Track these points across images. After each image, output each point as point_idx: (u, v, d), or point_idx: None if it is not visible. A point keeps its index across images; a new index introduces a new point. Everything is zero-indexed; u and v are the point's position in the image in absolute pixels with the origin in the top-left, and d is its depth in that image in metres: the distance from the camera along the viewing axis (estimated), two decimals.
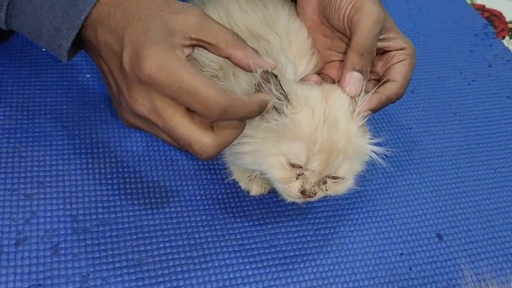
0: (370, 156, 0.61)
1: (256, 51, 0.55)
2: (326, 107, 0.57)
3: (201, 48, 0.61)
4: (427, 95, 0.93)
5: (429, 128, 0.87)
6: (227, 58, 0.55)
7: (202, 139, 0.49)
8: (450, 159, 0.83)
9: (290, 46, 0.67)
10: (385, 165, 0.63)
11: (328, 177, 0.60)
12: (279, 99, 0.55)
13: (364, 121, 0.59)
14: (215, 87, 0.48)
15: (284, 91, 0.55)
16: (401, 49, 0.63)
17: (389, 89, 0.61)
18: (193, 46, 0.54)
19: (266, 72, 0.54)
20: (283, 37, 0.67)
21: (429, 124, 0.88)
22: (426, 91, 0.93)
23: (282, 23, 0.69)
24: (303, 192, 0.58)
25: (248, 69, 0.54)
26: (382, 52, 0.64)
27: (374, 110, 0.60)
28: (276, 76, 0.54)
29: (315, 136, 0.56)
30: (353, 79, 0.59)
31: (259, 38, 0.67)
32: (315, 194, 0.59)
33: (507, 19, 1.16)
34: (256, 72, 0.54)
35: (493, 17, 1.15)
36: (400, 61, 0.63)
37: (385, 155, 0.81)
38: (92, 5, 0.52)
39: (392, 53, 0.64)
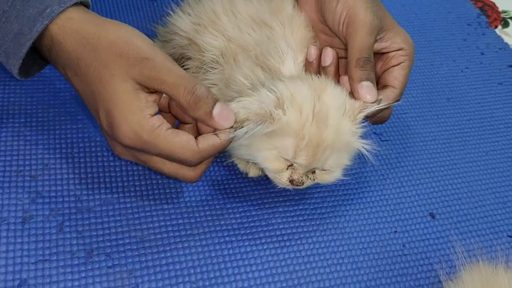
0: (360, 151, 0.63)
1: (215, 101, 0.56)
2: (316, 104, 0.59)
3: (203, 34, 0.65)
4: (421, 82, 0.95)
5: (423, 113, 0.89)
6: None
7: (186, 174, 0.59)
8: (443, 142, 0.85)
9: (292, 34, 0.69)
10: (374, 162, 0.69)
11: (317, 168, 0.62)
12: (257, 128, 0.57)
13: (359, 122, 0.61)
14: (189, 146, 0.54)
15: (264, 117, 0.57)
16: (399, 49, 0.64)
17: (388, 96, 0.63)
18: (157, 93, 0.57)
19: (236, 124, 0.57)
20: (286, 25, 0.70)
21: (423, 109, 0.90)
22: (420, 78, 0.96)
23: (286, 12, 0.71)
24: (291, 182, 0.62)
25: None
26: (380, 53, 0.65)
27: (371, 117, 0.63)
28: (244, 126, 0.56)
29: (303, 132, 0.58)
30: (365, 89, 0.61)
31: (262, 25, 0.69)
32: (302, 183, 0.62)
33: (500, 9, 1.18)
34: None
35: (486, 7, 1.18)
36: (398, 64, 0.64)
37: (380, 139, 0.84)
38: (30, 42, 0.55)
39: (391, 54, 0.64)
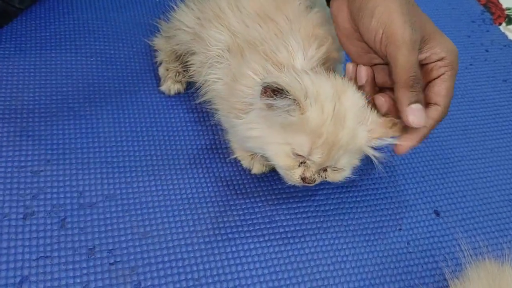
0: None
1: None
2: (337, 104, 0.59)
3: (209, 28, 0.64)
4: None
5: None
6: None
7: None
8: (447, 140, 0.84)
9: (300, 30, 0.68)
10: (382, 169, 0.70)
11: (329, 167, 0.62)
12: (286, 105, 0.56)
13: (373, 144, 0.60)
14: None
15: (292, 97, 0.55)
16: (439, 60, 0.59)
17: (432, 117, 0.58)
18: None
19: (268, 86, 0.55)
20: (293, 20, 0.69)
21: None
22: None
23: (292, 7, 0.70)
24: (303, 179, 0.61)
25: None
26: (420, 65, 0.60)
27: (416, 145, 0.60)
28: (281, 88, 0.55)
29: (321, 130, 0.58)
30: (415, 112, 0.56)
31: (267, 20, 0.69)
32: (314, 182, 0.61)
33: (504, 6, 1.17)
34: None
35: (490, 4, 1.17)
36: (439, 76, 0.59)
37: None
38: None
39: (430, 66, 0.59)
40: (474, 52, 1.02)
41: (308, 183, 0.62)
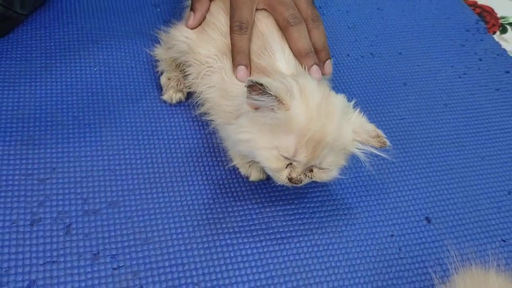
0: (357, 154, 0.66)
1: None
2: (323, 100, 0.61)
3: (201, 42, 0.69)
4: (419, 88, 0.97)
5: (421, 119, 0.91)
6: None
7: None
8: (440, 148, 0.87)
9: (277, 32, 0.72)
10: (372, 169, 0.72)
11: (315, 166, 0.64)
12: (269, 103, 0.60)
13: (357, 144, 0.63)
14: None
15: (273, 95, 0.59)
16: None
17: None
18: None
19: (252, 82, 0.58)
20: (263, 21, 0.73)
21: (420, 115, 0.92)
22: (418, 84, 0.98)
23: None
24: (290, 180, 0.64)
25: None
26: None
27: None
28: (261, 84, 0.58)
29: (308, 126, 0.60)
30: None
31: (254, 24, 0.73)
32: (301, 182, 0.64)
33: (498, 15, 1.20)
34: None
35: (484, 13, 1.19)
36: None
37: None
38: None
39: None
40: (468, 61, 1.04)
41: (295, 183, 0.64)
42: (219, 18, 0.75)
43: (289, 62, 0.70)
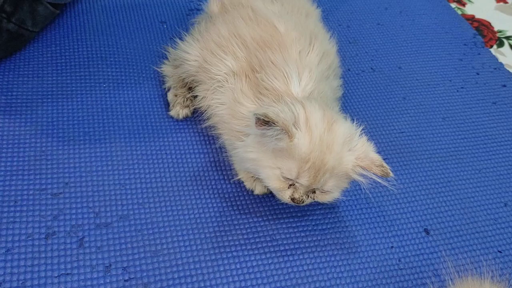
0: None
1: None
2: (325, 131, 0.64)
3: (213, 58, 0.72)
4: (418, 101, 1.00)
5: (420, 132, 0.94)
6: None
7: None
8: (438, 161, 0.90)
9: (296, 61, 0.74)
10: (368, 193, 0.74)
11: (317, 189, 0.68)
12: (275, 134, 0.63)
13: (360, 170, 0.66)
14: None
15: (279, 127, 0.62)
16: None
17: None
18: None
19: (259, 118, 0.61)
20: (282, 47, 0.75)
21: (419, 128, 0.95)
22: (417, 98, 1.01)
23: (280, 33, 0.77)
24: (293, 200, 0.68)
25: None
26: None
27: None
28: (267, 119, 0.61)
29: (309, 156, 0.64)
30: None
31: (265, 49, 0.75)
32: (303, 202, 0.68)
33: (495, 29, 1.23)
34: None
35: (482, 27, 1.22)
36: None
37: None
38: None
39: None
40: (466, 75, 1.07)
41: (297, 203, 0.68)
42: (231, 41, 0.78)
43: (303, 87, 0.72)
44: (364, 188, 0.67)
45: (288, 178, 0.66)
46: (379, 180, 0.66)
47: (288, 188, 0.68)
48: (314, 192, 0.69)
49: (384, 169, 0.64)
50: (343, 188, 0.69)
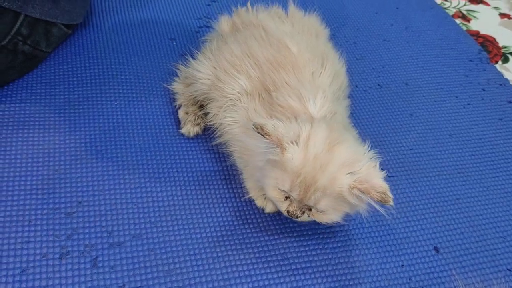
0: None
1: None
2: (324, 151, 0.65)
3: (226, 76, 0.77)
4: (425, 118, 1.01)
5: (427, 149, 0.95)
6: None
7: None
8: (446, 178, 0.91)
9: (304, 77, 0.75)
10: (367, 219, 0.74)
11: (313, 207, 0.68)
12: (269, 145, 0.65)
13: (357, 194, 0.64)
14: None
15: (270, 141, 0.64)
16: None
17: None
18: None
19: (255, 128, 0.64)
20: (296, 67, 0.76)
21: (427, 145, 0.96)
22: (424, 114, 1.01)
23: (293, 53, 0.78)
24: (288, 212, 0.69)
25: None
26: None
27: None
28: (260, 129, 0.64)
29: (300, 171, 0.64)
30: None
31: (279, 69, 0.76)
32: (297, 217, 0.69)
33: (500, 44, 1.24)
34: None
35: (487, 42, 1.24)
36: None
37: (387, 175, 0.89)
38: None
39: None
40: (472, 92, 1.08)
41: (292, 217, 0.69)
42: (244, 61, 0.79)
43: (318, 108, 0.73)
44: (371, 209, 0.67)
45: (283, 190, 0.67)
46: (377, 206, 0.64)
47: (285, 200, 0.69)
48: (310, 209, 0.69)
49: (384, 197, 0.62)
50: (342, 212, 0.68)
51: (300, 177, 0.64)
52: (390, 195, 0.62)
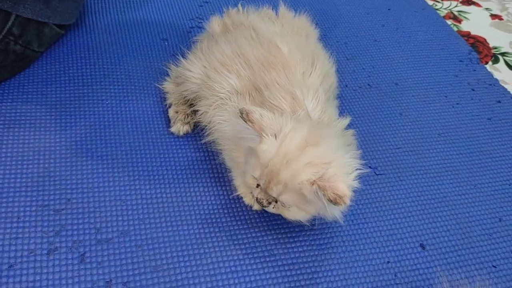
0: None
1: None
2: (296, 149, 0.66)
3: (216, 75, 0.80)
4: (414, 117, 1.02)
5: (416, 148, 0.96)
6: None
7: None
8: (434, 176, 0.91)
9: (295, 77, 0.76)
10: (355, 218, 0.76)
11: (276, 199, 0.70)
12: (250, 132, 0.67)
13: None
14: None
15: (251, 127, 0.66)
16: None
17: None
18: None
19: (241, 113, 0.67)
20: (286, 68, 0.77)
21: (415, 144, 0.97)
22: (414, 114, 1.02)
23: (283, 54, 0.79)
24: (256, 199, 0.72)
25: None
26: None
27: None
28: (244, 115, 0.66)
29: (267, 163, 0.66)
30: None
31: (269, 69, 0.77)
32: (263, 205, 0.71)
33: (491, 45, 1.25)
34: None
35: (477, 43, 1.25)
36: None
37: (375, 173, 0.90)
38: None
39: None
40: (461, 91, 1.09)
41: (260, 204, 0.71)
42: (234, 60, 0.80)
43: (312, 108, 0.74)
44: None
45: (255, 177, 0.69)
46: (328, 209, 0.65)
47: (257, 187, 0.71)
48: (276, 202, 0.71)
49: (338, 199, 0.61)
50: (307, 212, 0.69)
51: (268, 168, 0.67)
52: (347, 201, 0.62)
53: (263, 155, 0.66)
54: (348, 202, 0.62)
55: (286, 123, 0.67)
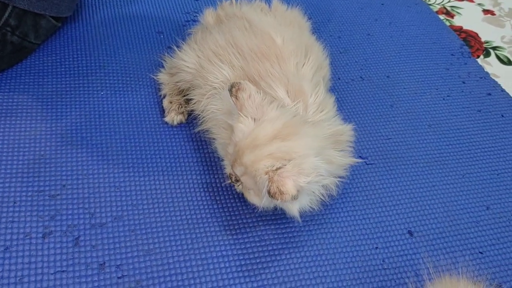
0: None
1: None
2: (266, 138, 0.67)
3: (209, 65, 0.81)
4: (405, 109, 1.03)
5: (406, 139, 0.97)
6: None
7: None
8: (423, 166, 0.93)
9: (288, 68, 0.78)
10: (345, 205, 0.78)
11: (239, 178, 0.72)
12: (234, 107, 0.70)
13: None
14: None
15: (237, 107, 0.69)
16: None
17: None
18: None
19: (230, 88, 0.70)
20: (280, 59, 0.79)
21: (406, 135, 0.98)
22: (404, 106, 1.04)
23: (277, 45, 0.80)
24: (228, 174, 0.75)
25: None
26: None
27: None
28: (233, 95, 0.69)
29: (237, 143, 0.69)
30: None
31: (263, 59, 0.79)
32: (231, 179, 0.74)
33: (483, 39, 1.27)
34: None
35: (469, 37, 1.26)
36: None
37: (366, 163, 0.92)
38: None
39: None
40: (452, 84, 1.11)
41: (230, 179, 0.74)
42: (228, 50, 0.81)
43: (312, 102, 0.76)
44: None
45: (229, 152, 0.73)
46: (266, 201, 0.67)
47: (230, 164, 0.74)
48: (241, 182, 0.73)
49: (278, 194, 0.63)
50: (265, 201, 0.68)
51: (236, 147, 0.69)
52: (286, 199, 0.63)
53: (237, 134, 0.69)
54: (287, 200, 0.63)
55: (270, 111, 0.68)
